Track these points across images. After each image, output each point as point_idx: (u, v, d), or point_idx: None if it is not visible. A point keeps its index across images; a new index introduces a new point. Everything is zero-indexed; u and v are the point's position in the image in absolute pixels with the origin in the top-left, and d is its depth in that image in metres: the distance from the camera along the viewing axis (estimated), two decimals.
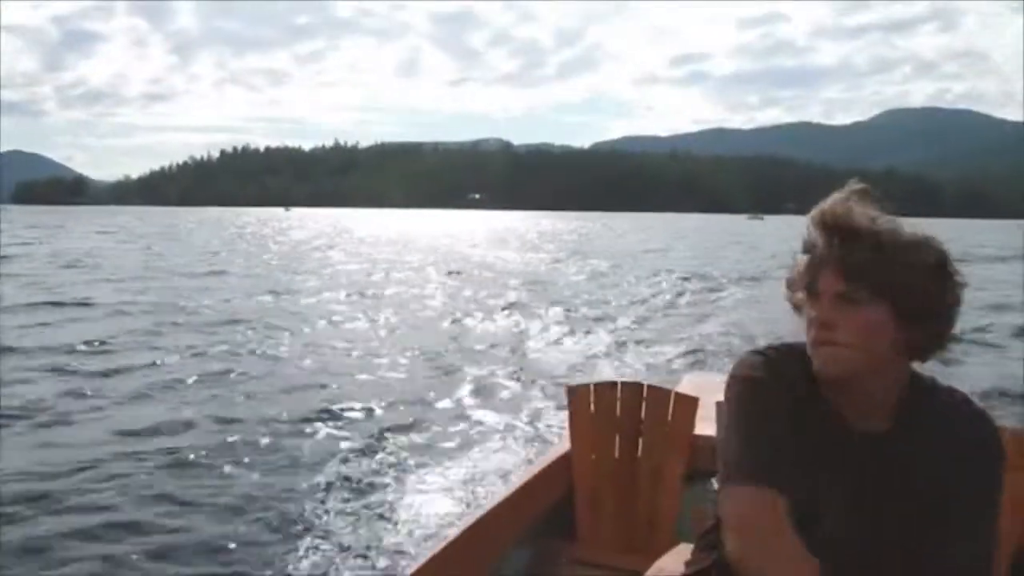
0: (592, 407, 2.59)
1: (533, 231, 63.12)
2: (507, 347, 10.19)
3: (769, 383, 1.34)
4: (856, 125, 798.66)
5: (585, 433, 2.59)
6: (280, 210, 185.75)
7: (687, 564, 1.51)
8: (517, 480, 2.56)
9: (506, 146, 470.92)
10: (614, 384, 2.61)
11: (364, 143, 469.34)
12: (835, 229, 1.24)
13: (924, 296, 1.22)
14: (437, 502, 4.68)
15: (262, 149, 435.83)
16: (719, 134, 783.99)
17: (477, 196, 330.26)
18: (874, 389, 1.28)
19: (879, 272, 1.22)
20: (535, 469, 2.60)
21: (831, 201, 1.28)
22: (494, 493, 3.65)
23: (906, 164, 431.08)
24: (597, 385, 2.62)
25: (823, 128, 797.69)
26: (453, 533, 2.04)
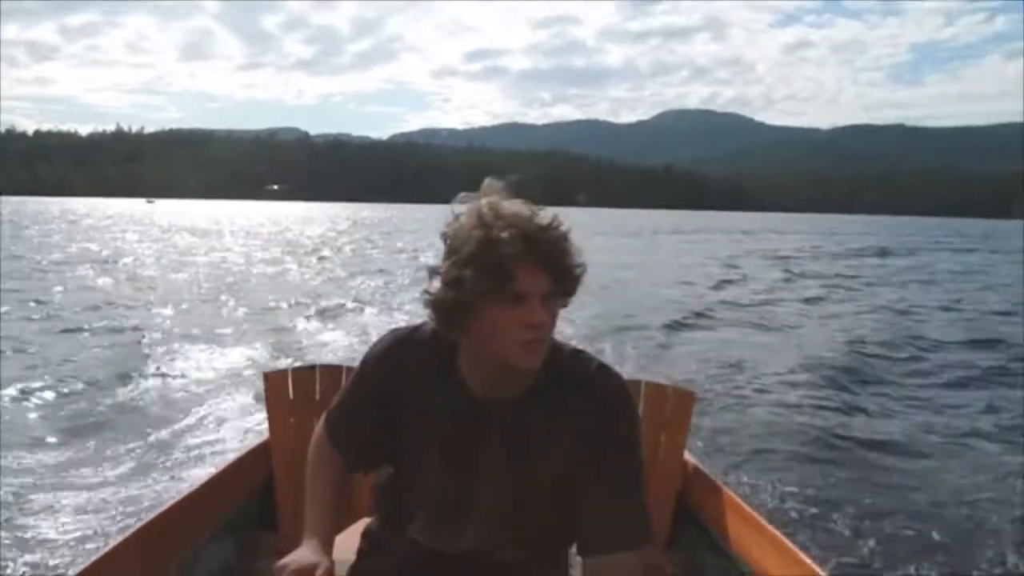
0: (290, 393, 2.47)
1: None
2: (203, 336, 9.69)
3: (385, 361, 1.47)
4: (639, 124, 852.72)
5: (283, 420, 2.47)
6: (142, 202, 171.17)
7: (362, 535, 1.63)
8: (211, 472, 2.38)
9: (303, 136, 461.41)
10: (312, 368, 2.52)
11: (149, 129, 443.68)
12: (531, 231, 1.22)
13: (579, 277, 1.29)
14: (120, 498, 4.25)
15: (30, 132, 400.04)
16: (514, 128, 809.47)
17: (276, 187, 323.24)
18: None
19: (573, 266, 1.26)
20: (231, 459, 2.45)
21: (500, 201, 1.27)
22: (185, 487, 3.47)
23: (681, 161, 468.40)
24: (295, 370, 2.52)
25: (610, 125, 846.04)
26: (131, 529, 1.88)
